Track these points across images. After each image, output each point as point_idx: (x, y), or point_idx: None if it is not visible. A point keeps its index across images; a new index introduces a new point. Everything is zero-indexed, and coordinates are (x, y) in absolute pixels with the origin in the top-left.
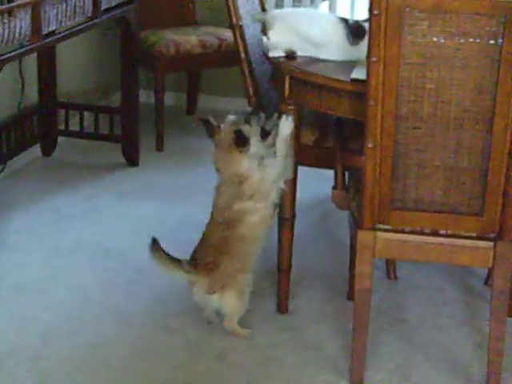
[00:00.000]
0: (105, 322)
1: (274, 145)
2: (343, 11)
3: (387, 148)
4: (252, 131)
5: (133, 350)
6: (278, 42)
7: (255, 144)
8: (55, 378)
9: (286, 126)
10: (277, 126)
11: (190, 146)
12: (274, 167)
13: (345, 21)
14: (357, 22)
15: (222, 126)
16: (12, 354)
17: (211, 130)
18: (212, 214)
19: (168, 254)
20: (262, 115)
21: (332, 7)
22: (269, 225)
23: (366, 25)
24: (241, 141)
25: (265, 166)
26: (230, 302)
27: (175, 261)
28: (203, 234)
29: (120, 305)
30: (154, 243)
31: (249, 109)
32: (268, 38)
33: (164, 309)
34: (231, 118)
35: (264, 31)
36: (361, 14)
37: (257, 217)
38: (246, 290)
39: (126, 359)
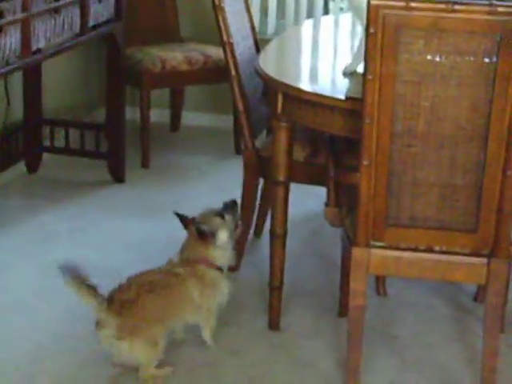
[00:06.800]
0: (96, 339)
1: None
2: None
3: (382, 165)
4: (222, 224)
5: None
6: None
7: (224, 236)
8: None
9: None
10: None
11: (175, 162)
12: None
13: None
14: None
15: (196, 218)
16: (3, 374)
17: (185, 223)
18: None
19: (85, 280)
20: (237, 207)
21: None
22: (222, 296)
23: None
24: (201, 234)
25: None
26: (140, 353)
27: (92, 288)
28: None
29: None
30: (67, 269)
31: (226, 201)
32: None
33: None
34: (205, 210)
35: None
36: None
37: (213, 286)
38: (160, 341)
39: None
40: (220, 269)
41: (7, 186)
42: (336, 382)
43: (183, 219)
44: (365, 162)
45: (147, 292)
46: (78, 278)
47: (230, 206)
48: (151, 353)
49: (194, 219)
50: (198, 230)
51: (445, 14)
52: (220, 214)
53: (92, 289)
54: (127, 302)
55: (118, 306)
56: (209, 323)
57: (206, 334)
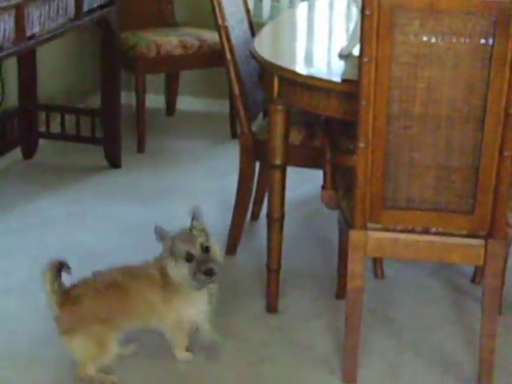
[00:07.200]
0: None
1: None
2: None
3: (379, 147)
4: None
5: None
6: None
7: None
8: (49, 381)
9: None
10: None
11: (171, 147)
12: None
13: None
14: None
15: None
16: (3, 358)
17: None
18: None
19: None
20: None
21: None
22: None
23: None
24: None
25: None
26: (78, 350)
27: (54, 276)
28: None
29: None
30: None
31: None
32: None
33: None
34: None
35: None
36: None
37: (184, 297)
38: (108, 343)
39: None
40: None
41: (3, 172)
42: (334, 364)
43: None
44: (361, 145)
45: (95, 291)
46: (54, 268)
47: (204, 266)
48: (93, 353)
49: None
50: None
51: None
52: (189, 256)
53: (54, 276)
54: (72, 297)
55: (64, 299)
56: (176, 337)
57: (175, 350)
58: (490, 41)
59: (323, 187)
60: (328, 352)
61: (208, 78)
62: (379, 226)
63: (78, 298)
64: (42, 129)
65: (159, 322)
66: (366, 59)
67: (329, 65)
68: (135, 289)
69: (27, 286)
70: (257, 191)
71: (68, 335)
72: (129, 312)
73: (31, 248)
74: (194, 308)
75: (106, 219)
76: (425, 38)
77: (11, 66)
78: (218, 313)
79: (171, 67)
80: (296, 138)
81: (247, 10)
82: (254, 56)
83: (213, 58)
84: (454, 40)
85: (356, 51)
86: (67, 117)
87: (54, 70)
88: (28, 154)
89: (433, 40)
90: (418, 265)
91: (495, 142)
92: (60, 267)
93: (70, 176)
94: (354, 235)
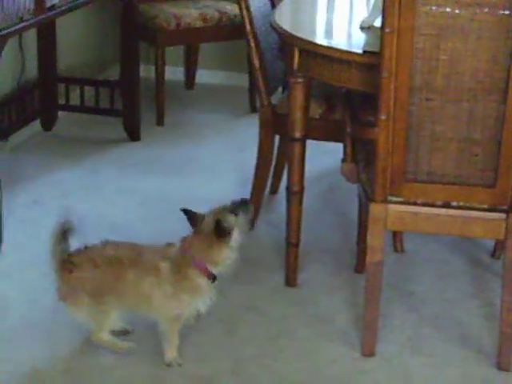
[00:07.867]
0: None
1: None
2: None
3: (400, 120)
4: (237, 222)
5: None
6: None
7: (237, 236)
8: (70, 350)
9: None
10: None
11: (190, 120)
12: None
13: None
14: None
15: (205, 215)
16: (26, 328)
17: (194, 220)
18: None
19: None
20: (251, 207)
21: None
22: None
23: None
24: (221, 231)
25: None
26: (74, 316)
27: (62, 240)
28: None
29: None
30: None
31: (238, 199)
32: None
33: None
34: (217, 207)
35: None
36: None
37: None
38: (100, 316)
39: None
40: (213, 277)
41: (23, 144)
42: (353, 338)
43: (191, 216)
44: (382, 117)
45: (93, 264)
46: (64, 230)
47: (242, 204)
48: (88, 322)
49: (203, 216)
50: (219, 227)
51: None
52: (234, 211)
53: (58, 240)
54: (71, 264)
55: (63, 265)
56: (171, 332)
57: (167, 347)
58: None
59: (343, 160)
60: (347, 326)
61: (227, 51)
62: (400, 199)
63: (75, 267)
64: (62, 101)
65: (157, 313)
66: (388, 30)
67: (350, 36)
68: (136, 274)
69: (46, 257)
70: (276, 165)
71: (64, 301)
72: (121, 295)
73: (50, 219)
74: (202, 299)
75: (125, 191)
76: (448, 9)
77: (31, 38)
78: (237, 285)
79: (191, 40)
80: (316, 111)
81: None
82: (274, 28)
83: (233, 30)
84: (478, 11)
85: (377, 23)
86: (86, 89)
87: (73, 42)
88: (47, 126)
89: (456, 11)
90: (437, 239)
91: None
92: (65, 231)
93: (89, 148)
94: (375, 208)
